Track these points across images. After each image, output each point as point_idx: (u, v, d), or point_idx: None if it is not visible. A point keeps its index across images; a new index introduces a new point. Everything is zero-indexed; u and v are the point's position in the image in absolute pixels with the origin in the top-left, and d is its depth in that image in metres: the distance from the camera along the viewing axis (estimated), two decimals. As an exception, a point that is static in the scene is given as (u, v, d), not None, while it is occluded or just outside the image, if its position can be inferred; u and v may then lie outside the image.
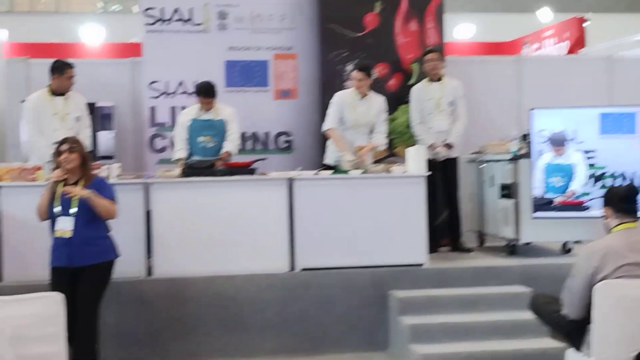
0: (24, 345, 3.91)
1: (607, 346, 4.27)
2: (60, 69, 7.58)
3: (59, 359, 4.12)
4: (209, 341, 6.92)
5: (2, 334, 3.50)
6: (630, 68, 9.94)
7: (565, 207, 7.63)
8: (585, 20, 14.14)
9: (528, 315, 6.44)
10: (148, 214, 7.03)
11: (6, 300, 3.92)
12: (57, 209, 5.72)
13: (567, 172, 7.62)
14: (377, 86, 8.68)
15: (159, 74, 8.82)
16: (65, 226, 5.72)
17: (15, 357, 3.63)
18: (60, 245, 5.73)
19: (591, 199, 7.54)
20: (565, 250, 8.15)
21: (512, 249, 8.01)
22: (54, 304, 4.10)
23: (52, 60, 7.81)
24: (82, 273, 5.74)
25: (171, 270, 6.97)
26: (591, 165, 7.59)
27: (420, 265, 7.29)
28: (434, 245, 8.08)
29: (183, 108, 8.29)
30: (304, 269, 7.13)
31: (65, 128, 7.53)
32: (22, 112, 7.77)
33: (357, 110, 7.97)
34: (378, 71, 8.94)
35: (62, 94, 7.63)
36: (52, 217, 5.79)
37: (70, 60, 7.82)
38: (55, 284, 5.64)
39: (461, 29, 19.55)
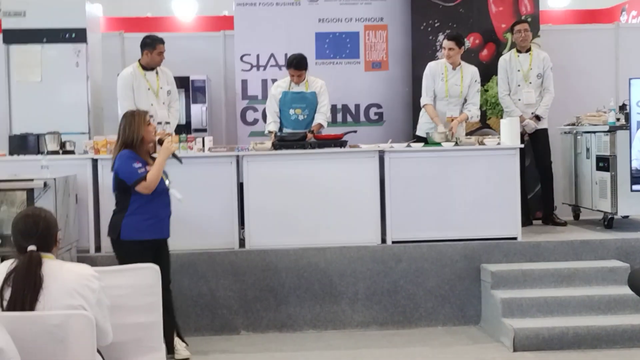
0: (122, 314, 4.01)
1: None
2: (152, 44, 7.69)
3: (157, 328, 4.21)
4: (300, 312, 6.99)
5: (101, 303, 3.59)
6: None
7: (666, 180, 7.39)
8: (687, -14, 13.62)
9: (625, 291, 6.29)
10: (240, 186, 7.11)
11: (106, 271, 4.02)
12: (166, 181, 5.84)
13: (669, 144, 7.38)
14: (470, 57, 8.55)
15: (250, 47, 8.88)
16: (178, 196, 5.82)
17: (114, 327, 3.72)
18: (166, 217, 5.86)
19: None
20: (665, 224, 7.92)
21: (608, 222, 7.82)
22: (152, 274, 4.18)
23: (143, 34, 7.94)
24: (164, 244, 5.94)
25: (263, 242, 7.04)
26: (693, 137, 7.33)
27: (514, 238, 7.18)
28: (527, 219, 7.96)
29: (274, 81, 8.33)
30: (395, 242, 7.11)
31: (159, 102, 7.69)
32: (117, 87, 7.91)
33: (448, 81, 7.87)
34: (470, 41, 8.80)
35: (152, 68, 7.77)
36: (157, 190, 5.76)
37: (161, 34, 7.92)
38: (141, 256, 5.32)
39: (556, -3, 19.01)
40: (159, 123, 7.48)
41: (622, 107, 8.14)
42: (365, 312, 7.04)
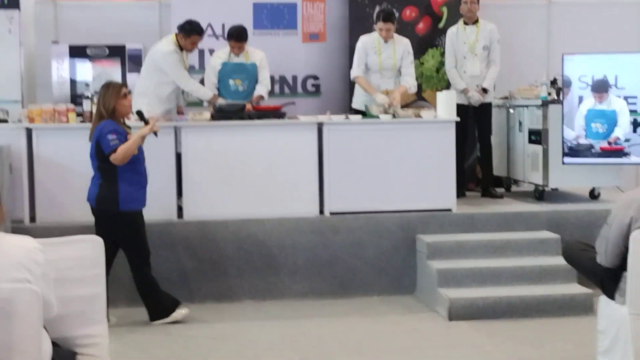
0: (66, 287, 3.96)
1: (641, 295, 4.29)
2: (188, 32, 7.57)
3: (100, 301, 4.18)
4: (239, 283, 7.01)
5: (46, 276, 3.55)
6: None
7: (606, 153, 7.60)
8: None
9: (556, 261, 6.50)
10: (179, 157, 7.07)
11: (48, 243, 3.97)
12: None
13: (609, 119, 7.58)
14: (406, 29, 8.63)
15: (187, 17, 8.73)
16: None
17: (58, 299, 3.69)
18: (144, 187, 6.09)
19: (631, 146, 7.48)
20: (594, 195, 8.13)
21: (540, 194, 8.01)
22: (96, 246, 4.13)
23: (77, 2, 7.78)
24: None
25: (202, 213, 7.03)
26: (632, 112, 7.53)
27: (449, 210, 7.31)
28: (463, 189, 8.10)
29: (211, 51, 8.27)
30: (333, 213, 7.17)
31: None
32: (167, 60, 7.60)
33: (382, 54, 7.90)
34: (407, 14, 8.86)
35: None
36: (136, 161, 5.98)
37: (95, 3, 7.68)
38: (140, 226, 6.06)
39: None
40: None
41: (554, 82, 8.31)
42: (304, 283, 7.10)
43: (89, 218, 6.25)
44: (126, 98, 5.96)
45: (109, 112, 5.88)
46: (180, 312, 6.26)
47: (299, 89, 9.00)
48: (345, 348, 5.75)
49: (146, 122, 6.09)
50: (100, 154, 5.89)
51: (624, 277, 4.40)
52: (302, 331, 6.15)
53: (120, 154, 5.80)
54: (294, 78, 8.99)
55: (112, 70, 8.51)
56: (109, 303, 6.14)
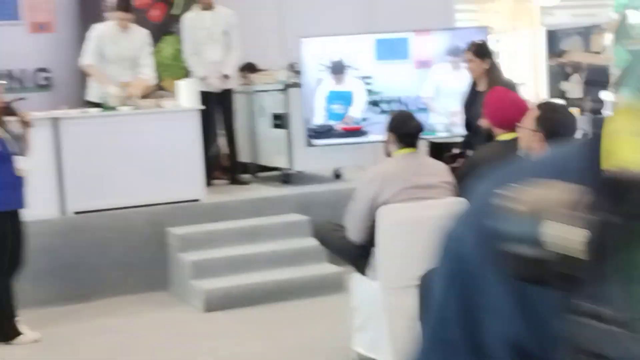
0: None
1: (392, 269, 4.38)
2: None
3: None
4: (-25, 296, 6.47)
5: None
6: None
7: (346, 133, 7.77)
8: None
9: (306, 243, 6.56)
10: None
11: None
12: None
13: (346, 99, 7.75)
14: (139, 17, 8.33)
15: None
16: (25, 165, 5.71)
17: None
18: (19, 185, 5.65)
19: (372, 124, 7.70)
20: (336, 176, 8.31)
21: (286, 178, 8.06)
22: None
23: None
24: (16, 216, 5.71)
25: None
26: (369, 92, 7.75)
27: (198, 200, 7.17)
28: (209, 178, 7.98)
29: None
30: (76, 213, 6.81)
31: None
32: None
33: (119, 44, 7.57)
34: (140, 1, 8.59)
35: None
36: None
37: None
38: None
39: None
40: None
41: (292, 66, 8.38)
42: (48, 289, 6.66)
43: None
44: None
45: None
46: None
47: (29, 83, 8.46)
48: (97, 353, 5.47)
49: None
50: None
51: (373, 253, 4.48)
52: (49, 341, 5.77)
53: None
54: (23, 72, 8.44)
55: None
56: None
